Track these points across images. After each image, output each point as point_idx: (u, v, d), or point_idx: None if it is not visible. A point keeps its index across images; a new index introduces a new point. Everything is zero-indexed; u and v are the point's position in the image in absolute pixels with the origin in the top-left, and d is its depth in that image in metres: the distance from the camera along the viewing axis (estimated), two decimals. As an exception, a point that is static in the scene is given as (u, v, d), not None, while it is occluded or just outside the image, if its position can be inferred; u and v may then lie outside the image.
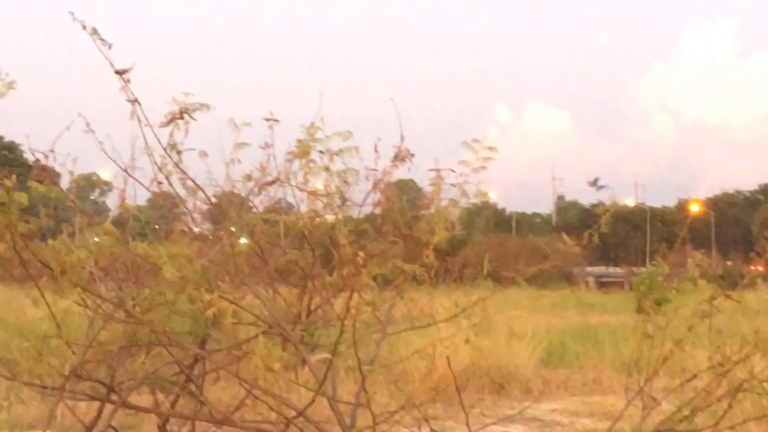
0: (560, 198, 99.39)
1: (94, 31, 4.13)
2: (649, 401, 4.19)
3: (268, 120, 4.43)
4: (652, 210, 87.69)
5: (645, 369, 4.12)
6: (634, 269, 41.88)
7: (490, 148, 4.32)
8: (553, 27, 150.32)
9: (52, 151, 4.53)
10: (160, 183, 4.54)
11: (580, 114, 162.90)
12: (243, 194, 4.61)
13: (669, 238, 57.09)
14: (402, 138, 4.35)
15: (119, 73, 4.20)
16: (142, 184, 4.85)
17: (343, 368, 4.33)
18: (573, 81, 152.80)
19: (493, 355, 11.04)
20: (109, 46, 4.13)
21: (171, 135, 4.24)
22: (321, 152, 4.25)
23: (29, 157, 4.82)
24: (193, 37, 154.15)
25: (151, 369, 4.57)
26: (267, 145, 4.54)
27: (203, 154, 4.46)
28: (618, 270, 45.56)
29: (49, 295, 4.40)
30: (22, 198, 4.31)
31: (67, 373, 4.37)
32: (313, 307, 4.80)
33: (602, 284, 42.04)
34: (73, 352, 4.36)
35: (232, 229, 4.64)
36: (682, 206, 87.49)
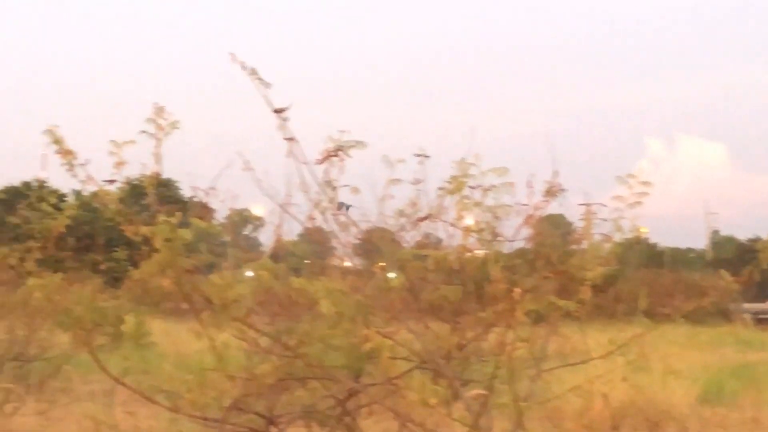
0: (715, 232, 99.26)
1: (254, 72, 4.89)
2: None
3: (418, 156, 5.15)
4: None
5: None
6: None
7: (645, 183, 5.07)
8: (704, 59, 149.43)
9: (212, 188, 5.46)
10: (313, 218, 5.29)
11: (735, 146, 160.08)
12: (394, 229, 5.32)
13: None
14: (555, 173, 4.88)
15: (277, 111, 4.97)
16: (297, 220, 5.52)
17: (496, 404, 4.82)
18: (728, 113, 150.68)
19: (648, 392, 11.55)
20: (268, 86, 4.89)
21: (326, 172, 5.03)
22: (472, 188, 4.86)
23: (184, 194, 5.94)
24: (347, 72, 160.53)
25: (307, 402, 5.28)
26: (418, 181, 5.23)
27: (355, 190, 5.14)
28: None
29: (208, 328, 5.19)
30: (186, 234, 4.91)
31: (227, 405, 5.08)
32: (464, 343, 5.24)
33: (759, 321, 42.22)
34: (233, 385, 5.04)
35: (383, 264, 5.27)
36: None
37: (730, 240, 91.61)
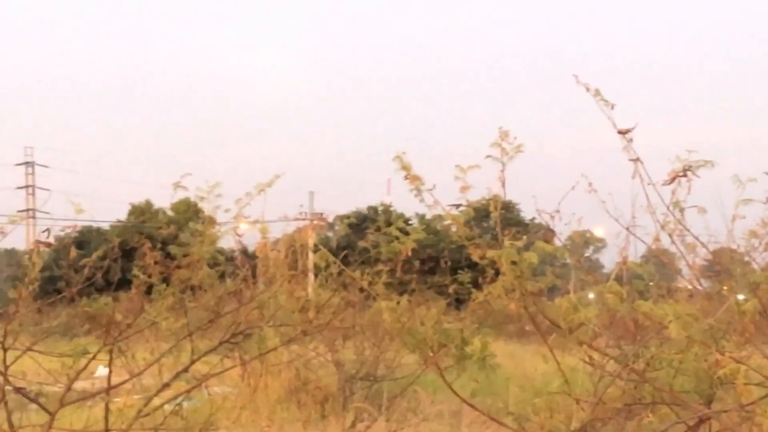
0: None
1: (597, 93, 5.44)
2: None
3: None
4: None
5: None
6: None
7: None
8: None
9: (557, 211, 5.81)
10: (659, 240, 5.73)
11: None
12: (744, 250, 5.67)
13: None
14: None
15: (622, 132, 5.49)
16: (642, 241, 5.98)
17: None
18: None
19: None
20: (612, 107, 5.45)
21: (674, 192, 5.46)
22: None
23: (525, 216, 6.67)
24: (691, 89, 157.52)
25: (657, 428, 5.60)
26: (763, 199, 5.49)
27: (702, 210, 5.54)
28: None
29: (554, 351, 5.70)
30: (533, 258, 5.45)
31: (574, 429, 5.59)
32: None
33: None
34: (582, 409, 5.57)
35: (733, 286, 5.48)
36: None
37: None
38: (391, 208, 42.38)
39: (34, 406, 7.81)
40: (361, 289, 6.97)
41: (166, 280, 7.44)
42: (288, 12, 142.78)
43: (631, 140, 5.56)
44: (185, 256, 7.60)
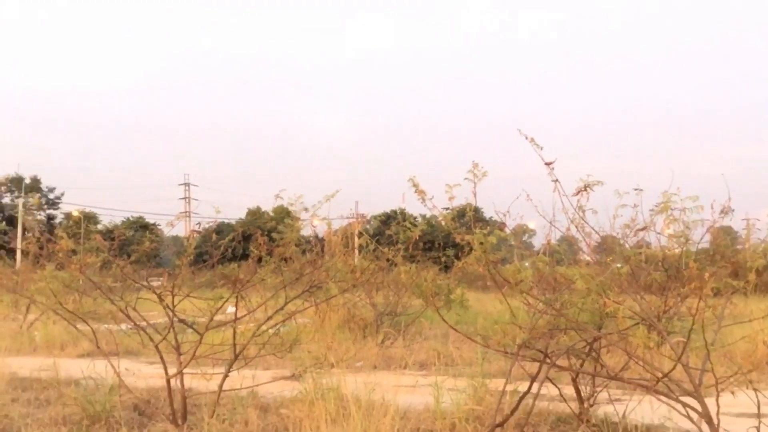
0: None
1: (533, 140, 5.45)
2: None
3: (636, 189, 5.57)
4: None
5: None
6: None
7: None
8: None
9: (508, 211, 5.86)
10: (569, 229, 5.79)
11: None
12: (620, 236, 5.69)
13: None
14: (728, 202, 5.20)
15: (547, 164, 5.53)
16: (559, 230, 6.04)
17: (691, 348, 5.13)
18: None
19: None
20: (541, 148, 5.46)
21: (578, 200, 5.54)
22: (673, 209, 5.17)
23: (487, 215, 6.72)
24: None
25: (568, 344, 5.65)
26: (635, 206, 5.64)
27: (594, 211, 5.62)
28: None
29: (506, 297, 5.77)
30: (493, 240, 5.50)
31: (518, 344, 5.59)
32: (668, 308, 5.61)
33: None
34: (523, 332, 5.57)
35: (613, 258, 5.67)
36: None
37: None
38: (405, 211, 42.69)
39: (190, 330, 7.91)
40: (387, 260, 7.07)
41: (270, 254, 7.58)
42: (344, 88, 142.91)
43: (553, 168, 5.61)
44: (281, 239, 7.75)
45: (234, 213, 72.72)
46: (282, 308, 8.08)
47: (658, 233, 5.54)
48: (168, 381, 7.76)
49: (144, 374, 9.77)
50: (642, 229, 5.66)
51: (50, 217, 59.57)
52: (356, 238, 17.84)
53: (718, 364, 5.08)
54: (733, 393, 5.23)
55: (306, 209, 7.91)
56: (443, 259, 10.63)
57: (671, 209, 5.35)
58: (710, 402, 4.95)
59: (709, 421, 4.88)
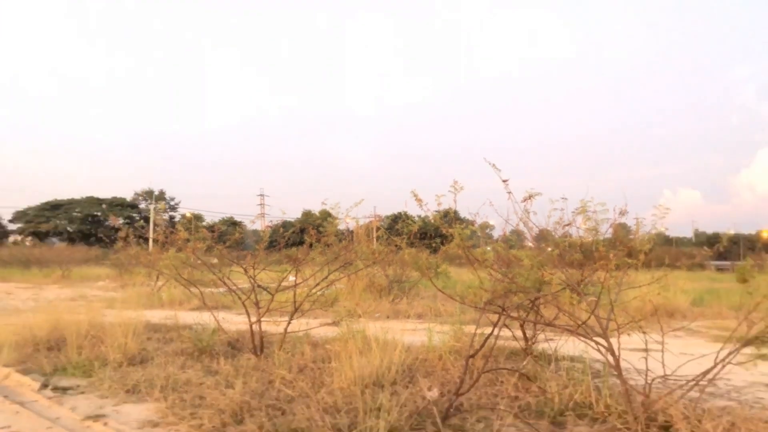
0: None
1: (494, 166, 5.27)
2: (750, 323, 4.43)
3: (563, 198, 5.42)
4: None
5: (746, 308, 4.77)
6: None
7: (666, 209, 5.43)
8: None
9: (477, 213, 5.54)
10: (518, 224, 5.62)
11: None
12: (553, 229, 5.63)
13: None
14: (625, 203, 5.12)
15: (504, 181, 5.33)
16: (511, 225, 5.72)
17: (601, 304, 5.11)
18: None
19: (669, 300, 12.20)
20: (500, 170, 5.28)
21: (525, 206, 5.41)
22: (589, 211, 5.17)
23: (463, 215, 6.46)
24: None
25: (517, 301, 5.52)
26: (562, 209, 5.49)
27: (535, 213, 5.46)
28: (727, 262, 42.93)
29: (476, 270, 5.75)
30: (467, 233, 5.48)
31: (485, 301, 5.46)
32: (584, 277, 5.48)
33: (719, 269, 40.04)
34: (487, 293, 5.51)
35: (548, 244, 5.67)
36: None
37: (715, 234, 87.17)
38: (407, 212, 42.64)
39: (265, 292, 7.95)
40: (396, 245, 7.04)
41: (317, 242, 7.59)
42: (366, 130, 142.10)
43: (507, 182, 5.51)
44: (325, 232, 7.78)
45: (293, 214, 72.91)
46: (325, 278, 8.11)
47: (578, 227, 5.49)
48: (251, 326, 7.81)
49: (234, 322, 9.81)
50: (567, 225, 5.60)
51: (171, 217, 59.94)
52: (374, 231, 17.84)
53: (619, 316, 5.03)
54: (629, 335, 5.22)
55: (341, 212, 7.92)
56: (433, 245, 10.66)
57: (587, 211, 5.33)
58: (614, 341, 4.92)
59: (612, 354, 4.85)
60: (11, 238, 60.08)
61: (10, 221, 63.66)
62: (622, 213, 5.19)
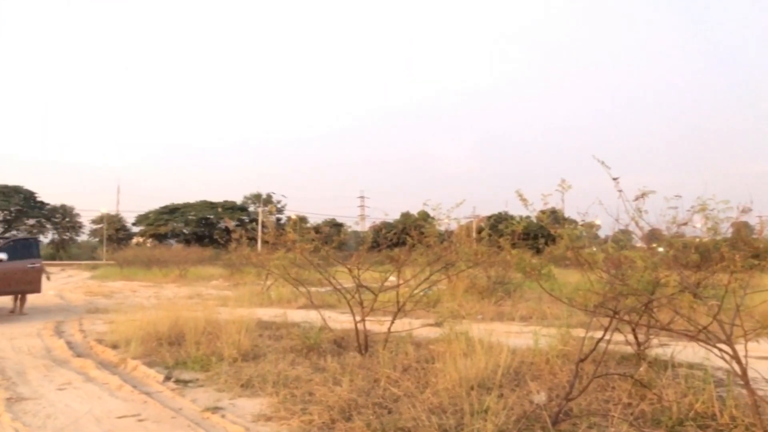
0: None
1: (603, 164, 4.99)
2: None
3: (676, 196, 5.15)
4: None
5: None
6: None
7: None
8: None
9: (586, 213, 5.47)
10: (627, 224, 5.30)
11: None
12: (664, 228, 5.37)
13: None
14: (751, 201, 4.72)
15: (615, 179, 4.95)
16: (621, 225, 5.40)
17: (724, 308, 4.67)
18: None
19: None
20: (609, 168, 5.00)
21: (637, 203, 5.07)
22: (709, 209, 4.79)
23: (567, 215, 6.16)
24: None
25: (631, 304, 5.16)
26: (674, 207, 5.28)
27: (647, 212, 5.08)
28: None
29: (585, 272, 5.55)
30: (576, 232, 5.33)
31: (595, 304, 5.16)
32: (702, 279, 5.32)
33: None
34: (597, 295, 5.17)
35: (658, 244, 5.41)
36: None
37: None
38: (507, 212, 41.72)
39: (368, 292, 8.19)
40: (498, 246, 6.94)
41: (419, 242, 7.70)
42: (465, 129, 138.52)
43: (618, 182, 5.16)
44: (427, 233, 7.88)
45: (393, 215, 73.72)
46: (427, 278, 8.21)
47: (694, 226, 5.19)
48: (356, 324, 8.08)
49: (339, 320, 10.17)
50: (683, 224, 5.27)
51: (278, 219, 62.86)
52: (474, 232, 17.73)
53: (745, 321, 4.62)
54: (758, 342, 4.92)
55: (442, 213, 7.97)
56: (537, 245, 10.42)
57: (707, 209, 4.98)
58: (739, 348, 4.60)
59: (738, 362, 4.55)
60: (134, 240, 65.61)
61: (134, 224, 69.53)
62: (745, 211, 4.81)
